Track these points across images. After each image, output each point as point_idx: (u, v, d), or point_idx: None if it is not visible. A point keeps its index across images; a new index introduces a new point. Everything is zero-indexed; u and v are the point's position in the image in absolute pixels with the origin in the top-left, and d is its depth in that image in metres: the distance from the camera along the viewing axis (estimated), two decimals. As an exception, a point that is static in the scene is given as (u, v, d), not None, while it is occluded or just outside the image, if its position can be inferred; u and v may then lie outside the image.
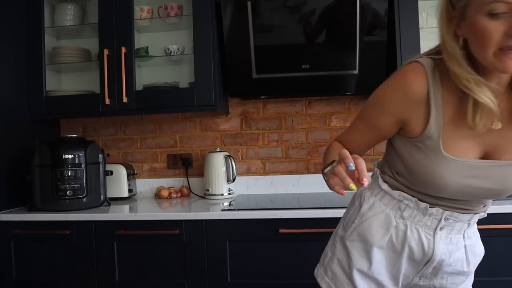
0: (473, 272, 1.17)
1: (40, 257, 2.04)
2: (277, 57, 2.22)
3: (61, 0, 2.44)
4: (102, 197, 2.23)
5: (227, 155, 2.39)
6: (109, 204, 2.25)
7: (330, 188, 0.89)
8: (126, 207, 2.25)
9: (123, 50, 2.22)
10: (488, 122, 0.91)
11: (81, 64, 2.47)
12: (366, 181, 0.82)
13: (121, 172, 2.40)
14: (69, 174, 2.13)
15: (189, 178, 2.57)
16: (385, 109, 0.99)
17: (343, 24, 2.15)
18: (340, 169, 0.85)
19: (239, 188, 2.53)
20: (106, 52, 2.24)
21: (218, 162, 2.38)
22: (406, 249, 1.06)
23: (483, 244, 1.17)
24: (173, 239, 1.96)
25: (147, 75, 2.51)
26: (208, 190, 2.41)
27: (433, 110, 0.93)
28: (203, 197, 2.46)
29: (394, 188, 1.08)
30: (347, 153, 0.86)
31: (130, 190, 2.45)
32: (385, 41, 2.17)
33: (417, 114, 0.95)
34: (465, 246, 1.09)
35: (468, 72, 0.87)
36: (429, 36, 2.22)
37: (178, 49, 2.37)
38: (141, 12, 2.33)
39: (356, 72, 2.18)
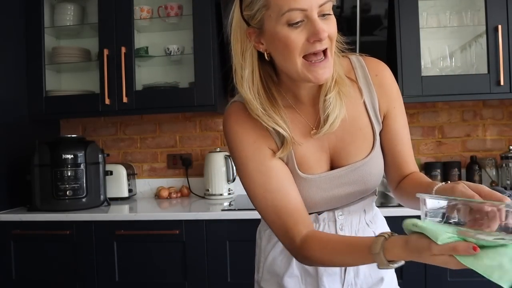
0: None
1: (40, 257, 2.04)
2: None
3: (61, 0, 2.43)
4: (102, 197, 2.23)
5: (227, 155, 2.39)
6: (109, 204, 2.25)
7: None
8: (126, 207, 2.25)
9: (123, 50, 2.22)
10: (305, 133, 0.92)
11: (81, 64, 2.46)
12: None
13: (121, 172, 2.40)
14: (69, 174, 2.13)
15: (189, 178, 2.57)
16: (249, 153, 0.94)
17: (343, 24, 2.15)
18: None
19: (239, 188, 2.53)
20: (106, 52, 2.24)
21: (218, 162, 2.38)
22: (320, 267, 1.01)
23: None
24: (173, 239, 1.95)
25: (147, 75, 2.50)
26: (208, 190, 2.41)
27: (275, 137, 0.92)
28: (203, 197, 2.46)
29: None
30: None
31: (130, 190, 2.45)
32: (385, 41, 2.17)
33: (270, 143, 0.93)
34: (374, 234, 1.03)
35: (257, 109, 0.87)
36: (429, 36, 2.23)
37: (178, 49, 2.36)
38: (141, 12, 2.33)
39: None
